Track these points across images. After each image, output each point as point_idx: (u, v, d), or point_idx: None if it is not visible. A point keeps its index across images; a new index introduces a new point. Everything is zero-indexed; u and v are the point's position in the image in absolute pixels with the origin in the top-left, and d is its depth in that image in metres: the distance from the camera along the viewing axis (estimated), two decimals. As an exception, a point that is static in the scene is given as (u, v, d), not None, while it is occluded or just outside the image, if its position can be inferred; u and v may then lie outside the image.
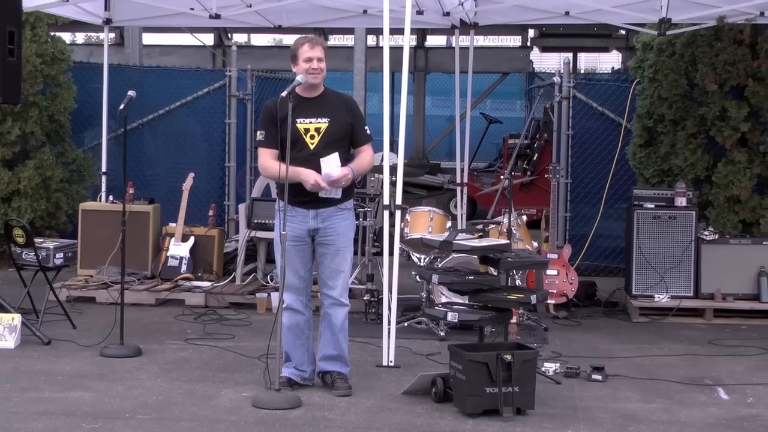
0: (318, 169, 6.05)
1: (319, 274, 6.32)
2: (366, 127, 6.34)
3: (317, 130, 6.12)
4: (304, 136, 6.11)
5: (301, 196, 6.08)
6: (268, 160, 6.16)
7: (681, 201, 8.82)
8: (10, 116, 10.36)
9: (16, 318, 7.33)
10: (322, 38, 6.38)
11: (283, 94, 5.98)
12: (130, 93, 7.38)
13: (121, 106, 7.25)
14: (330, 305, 6.26)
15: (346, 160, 6.21)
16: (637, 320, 8.62)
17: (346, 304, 6.30)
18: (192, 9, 9.41)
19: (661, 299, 8.72)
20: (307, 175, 6.03)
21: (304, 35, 6.28)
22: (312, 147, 6.11)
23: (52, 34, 11.02)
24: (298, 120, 6.09)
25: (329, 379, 6.33)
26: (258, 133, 6.24)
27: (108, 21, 10.01)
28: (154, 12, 9.82)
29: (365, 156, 6.31)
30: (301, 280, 6.25)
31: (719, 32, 9.20)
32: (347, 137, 6.23)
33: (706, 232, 8.85)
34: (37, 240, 8.11)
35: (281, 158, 6.03)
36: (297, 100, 6.09)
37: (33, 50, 10.40)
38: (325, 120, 6.14)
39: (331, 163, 6.07)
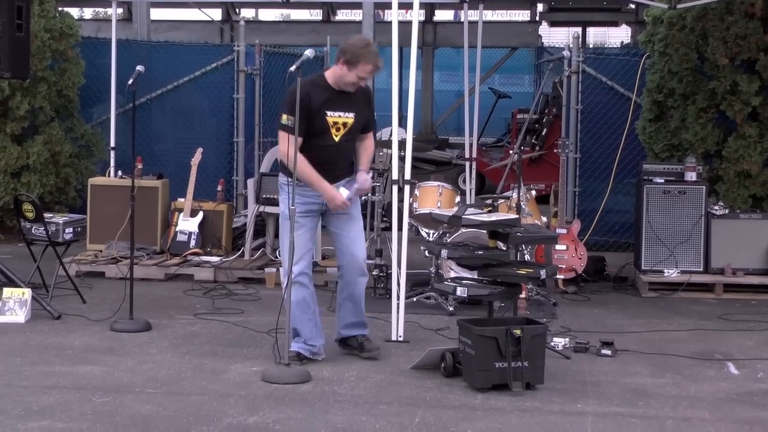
0: (336, 159, 6.18)
1: (340, 246, 6.34)
2: (374, 114, 6.47)
3: (344, 124, 6.19)
4: (331, 129, 6.17)
5: (320, 173, 6.13)
6: (296, 151, 5.97)
7: (691, 176, 8.79)
8: (19, 91, 10.35)
9: (27, 292, 7.35)
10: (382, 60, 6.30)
11: (292, 68, 5.96)
12: (139, 68, 7.36)
13: (130, 81, 7.23)
14: (355, 275, 6.31)
15: (354, 148, 6.32)
16: (647, 295, 8.61)
17: (367, 274, 6.42)
18: (200, -17, 9.37)
19: (671, 274, 8.70)
20: (332, 196, 6.11)
21: (371, 50, 6.17)
22: (336, 139, 6.18)
23: (60, 9, 10.99)
24: (329, 112, 6.15)
25: (355, 343, 6.43)
26: (285, 117, 6.06)
27: (116, -5, 9.98)
28: (161, -14, 9.79)
29: (370, 143, 6.44)
30: (309, 253, 6.29)
31: (730, 6, 9.13)
32: (362, 128, 6.36)
33: (716, 207, 8.83)
34: (47, 215, 8.12)
35: (304, 147, 6.03)
36: (329, 92, 6.15)
37: (41, 25, 10.39)
38: (351, 115, 6.22)
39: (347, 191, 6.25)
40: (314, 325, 6.31)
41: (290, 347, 6.12)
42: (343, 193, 6.18)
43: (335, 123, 6.16)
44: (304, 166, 6.02)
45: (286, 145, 6.01)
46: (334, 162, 6.22)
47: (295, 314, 6.20)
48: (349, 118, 6.19)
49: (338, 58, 6.15)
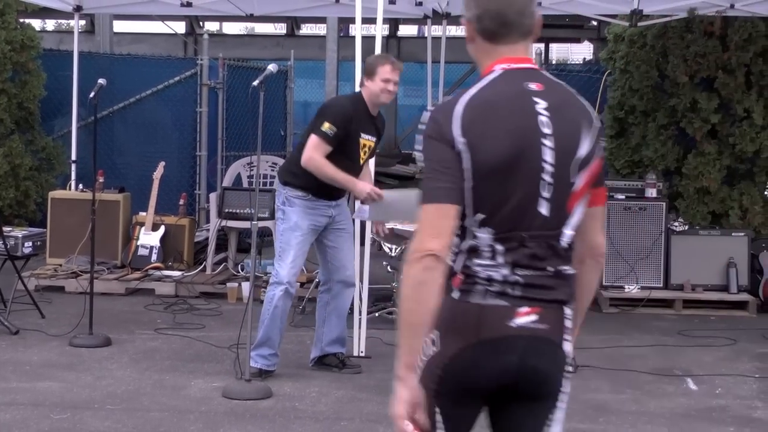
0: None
1: (333, 260, 6.40)
2: None
3: (369, 147, 6.30)
4: (360, 150, 6.25)
5: (330, 189, 6.19)
6: (322, 156, 6.06)
7: (651, 192, 8.87)
8: (-22, 104, 10.26)
9: (-16, 307, 7.27)
10: (402, 64, 6.44)
11: (255, 82, 5.97)
12: (101, 81, 7.31)
13: (92, 94, 7.19)
14: (344, 287, 6.41)
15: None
16: (608, 311, 8.67)
17: (354, 286, 6.53)
18: (163, -3, 9.35)
19: (631, 290, 8.77)
20: (361, 189, 6.13)
21: (385, 55, 6.49)
22: (361, 162, 6.30)
23: (21, 21, 10.91)
24: (363, 134, 6.24)
25: (334, 361, 6.46)
26: (328, 125, 6.05)
27: (78, 8, 9.91)
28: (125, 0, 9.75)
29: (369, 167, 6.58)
30: (301, 265, 6.41)
31: (690, 24, 9.25)
32: None
33: (676, 223, 8.91)
34: (6, 228, 8.04)
35: (332, 160, 6.07)
36: (366, 114, 6.25)
37: (2, 37, 10.32)
38: (374, 138, 6.33)
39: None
40: (281, 337, 6.31)
41: (253, 361, 6.10)
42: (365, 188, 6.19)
43: (365, 145, 6.27)
44: (328, 168, 6.04)
45: (315, 152, 6.04)
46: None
47: (279, 324, 6.23)
48: (372, 141, 6.32)
49: (362, 81, 6.30)
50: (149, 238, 9.28)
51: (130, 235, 9.39)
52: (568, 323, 2.75)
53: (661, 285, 8.80)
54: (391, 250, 8.42)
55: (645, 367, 6.80)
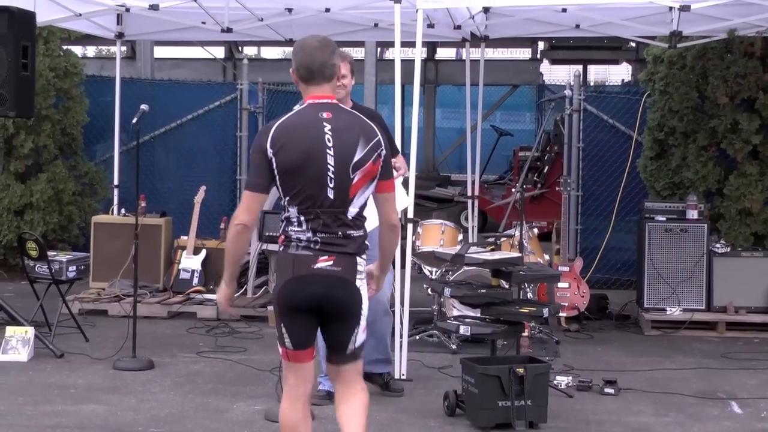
0: None
1: None
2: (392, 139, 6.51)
3: None
4: None
5: None
6: None
7: (692, 214, 8.81)
8: (23, 129, 10.41)
9: (29, 331, 7.36)
10: (347, 52, 6.38)
11: (134, 120, 6.06)
12: (143, 107, 7.39)
13: (134, 120, 7.27)
14: (379, 315, 6.17)
15: None
16: (649, 333, 8.60)
17: (391, 313, 6.55)
18: (204, 23, 9.43)
19: (673, 312, 8.70)
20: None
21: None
22: None
23: (64, 47, 11.07)
24: None
25: (380, 381, 6.45)
26: None
27: (120, 35, 10.04)
28: (166, 26, 9.85)
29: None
30: None
31: (730, 45, 9.20)
32: None
33: (718, 245, 8.83)
34: (50, 253, 8.14)
35: None
36: None
37: (46, 64, 10.46)
38: None
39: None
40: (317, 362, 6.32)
41: (321, 385, 6.17)
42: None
43: None
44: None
45: None
46: None
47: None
48: None
49: None
50: (191, 262, 9.36)
51: (171, 258, 9.48)
52: (360, 268, 4.21)
53: (704, 307, 8.72)
54: (431, 272, 8.43)
55: (688, 390, 6.74)
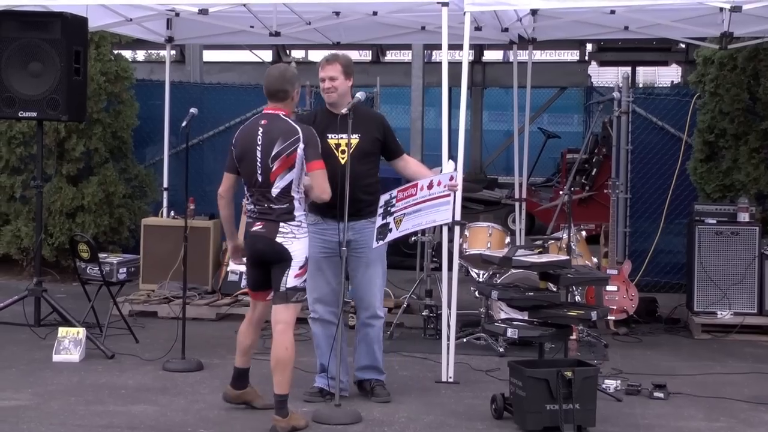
0: (343, 183, 6.05)
1: (354, 288, 6.47)
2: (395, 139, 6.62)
3: (348, 145, 6.18)
4: (335, 151, 6.28)
5: (335, 209, 6.11)
6: None
7: (744, 216, 8.71)
8: (75, 133, 10.55)
9: (81, 332, 7.46)
10: (341, 55, 6.49)
11: (344, 111, 6.09)
12: (193, 110, 7.45)
13: (184, 123, 7.34)
14: (366, 318, 6.43)
15: (375, 173, 6.48)
16: (700, 337, 8.52)
17: (381, 317, 6.48)
18: (252, 27, 9.48)
19: (724, 316, 8.61)
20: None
21: (327, 54, 6.55)
22: (342, 161, 6.22)
23: (115, 52, 11.20)
24: (329, 135, 6.29)
25: (368, 387, 6.47)
26: None
27: (170, 39, 10.13)
28: (214, 30, 9.91)
29: (415, 162, 6.81)
30: (333, 291, 6.38)
31: (782, 46, 9.10)
32: (377, 152, 6.47)
33: (770, 248, 8.73)
34: (101, 255, 8.23)
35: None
36: (328, 117, 6.33)
37: (97, 68, 10.60)
38: (356, 135, 6.27)
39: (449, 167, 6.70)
40: (341, 360, 6.30)
41: (314, 382, 6.30)
42: (449, 166, 6.70)
43: (338, 145, 6.29)
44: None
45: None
46: (343, 187, 6.08)
47: (323, 350, 6.42)
48: (344, 139, 6.21)
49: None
50: (239, 264, 9.39)
51: (220, 261, 9.55)
52: (282, 230, 5.74)
53: (756, 311, 8.62)
54: (478, 275, 8.42)
55: (740, 395, 6.66)
